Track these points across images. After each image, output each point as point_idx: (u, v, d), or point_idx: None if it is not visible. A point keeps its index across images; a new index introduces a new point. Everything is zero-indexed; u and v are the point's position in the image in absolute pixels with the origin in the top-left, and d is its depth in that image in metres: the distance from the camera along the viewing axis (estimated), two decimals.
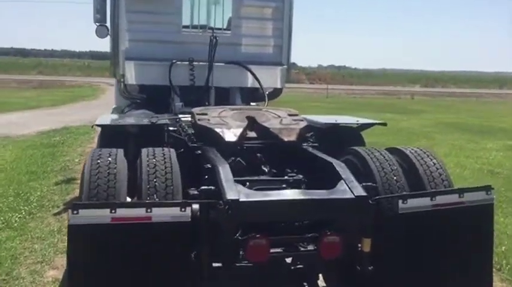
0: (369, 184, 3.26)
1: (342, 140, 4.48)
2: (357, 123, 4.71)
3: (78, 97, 24.30)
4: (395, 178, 3.42)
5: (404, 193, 3.24)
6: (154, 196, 2.99)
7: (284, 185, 3.40)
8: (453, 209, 3.12)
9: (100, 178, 2.99)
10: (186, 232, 2.75)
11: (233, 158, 3.68)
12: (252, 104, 6.73)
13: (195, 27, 6.16)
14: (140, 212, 2.66)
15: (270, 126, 3.99)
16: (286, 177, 3.53)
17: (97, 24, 6.69)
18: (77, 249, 2.59)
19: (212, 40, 5.88)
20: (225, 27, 6.49)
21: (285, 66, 6.43)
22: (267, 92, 6.64)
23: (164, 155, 3.26)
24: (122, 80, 6.05)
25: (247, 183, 3.38)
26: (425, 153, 3.72)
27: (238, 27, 6.31)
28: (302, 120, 4.19)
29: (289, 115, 4.29)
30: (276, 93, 6.74)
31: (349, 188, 3.09)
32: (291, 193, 3.09)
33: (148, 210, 2.67)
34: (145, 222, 2.67)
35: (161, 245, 2.72)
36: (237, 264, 2.95)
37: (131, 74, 5.95)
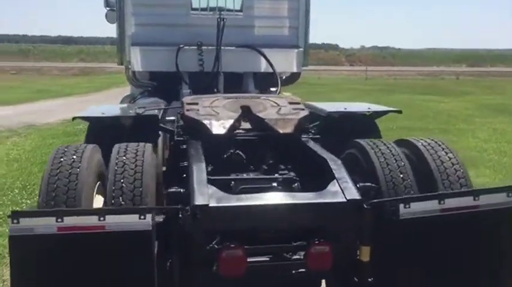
0: (368, 184, 2.83)
1: (353, 130, 4.01)
2: (368, 111, 4.22)
3: (114, 84, 24.43)
4: (401, 176, 2.96)
5: (407, 195, 2.78)
6: (120, 198, 2.66)
7: (273, 185, 3.00)
8: (466, 214, 2.64)
9: (60, 179, 2.68)
10: (147, 242, 2.40)
11: (221, 153, 3.31)
12: (271, 89, 6.36)
13: (204, 9, 5.78)
14: (92, 220, 2.33)
15: (265, 116, 3.58)
16: (276, 175, 3.13)
17: (107, 8, 6.42)
18: (20, 264, 2.29)
19: (220, 22, 5.48)
20: (237, 8, 6.09)
21: (301, 49, 5.96)
22: (283, 77, 6.25)
23: (137, 151, 2.92)
24: (128, 66, 5.78)
25: (232, 182, 3.02)
26: (440, 146, 3.22)
27: (250, 9, 5.88)
28: (303, 110, 3.75)
29: (290, 103, 3.86)
30: (293, 77, 6.31)
31: (342, 189, 2.67)
32: (271, 196, 2.68)
33: (101, 218, 2.33)
34: (98, 231, 2.34)
35: (118, 258, 2.39)
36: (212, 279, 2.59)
37: (137, 60, 5.64)
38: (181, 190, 2.65)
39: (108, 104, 4.81)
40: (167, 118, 4.27)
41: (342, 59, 55.67)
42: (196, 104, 3.76)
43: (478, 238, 2.68)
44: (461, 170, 3.07)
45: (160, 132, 4.01)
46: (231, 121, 3.50)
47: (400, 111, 4.16)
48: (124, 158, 2.85)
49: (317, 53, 58.04)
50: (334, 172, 2.84)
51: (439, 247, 2.65)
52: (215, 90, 5.43)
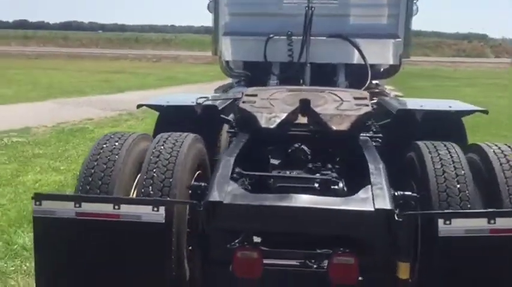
0: (407, 193, 2.50)
1: (428, 130, 3.60)
2: (449, 110, 3.73)
3: None
4: (458, 186, 2.56)
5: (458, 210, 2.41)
6: (150, 188, 2.68)
7: (310, 185, 2.79)
8: None
9: (98, 165, 2.78)
10: (160, 235, 2.39)
11: (268, 148, 3.18)
12: (373, 82, 6.03)
13: None
14: (107, 208, 2.38)
15: (321, 111, 3.35)
16: (317, 175, 2.91)
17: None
18: (41, 243, 2.42)
19: (308, 11, 5.29)
20: None
21: (400, 39, 5.51)
22: (380, 69, 5.88)
23: (176, 142, 2.91)
24: (220, 56, 5.88)
25: (272, 179, 2.87)
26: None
27: None
28: (366, 106, 3.45)
29: (355, 98, 3.58)
30: (391, 70, 5.87)
31: (373, 196, 2.39)
32: (291, 198, 2.48)
33: (116, 207, 2.37)
34: (113, 220, 2.38)
35: (131, 248, 2.41)
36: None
37: (228, 49, 5.71)
38: (203, 184, 2.59)
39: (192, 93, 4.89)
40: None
41: (486, 49, 51.01)
42: (255, 96, 3.66)
43: None
44: None
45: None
46: (284, 115, 3.33)
47: (486, 112, 3.63)
48: (161, 147, 2.86)
49: (458, 43, 54.06)
50: (371, 176, 2.56)
51: (485, 273, 2.25)
52: (300, 81, 5.28)
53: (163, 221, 2.36)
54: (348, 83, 5.37)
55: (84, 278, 2.45)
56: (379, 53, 5.50)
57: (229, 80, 6.58)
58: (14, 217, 4.68)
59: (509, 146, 2.83)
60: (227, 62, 5.84)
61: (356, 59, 5.48)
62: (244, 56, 5.75)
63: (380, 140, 3.49)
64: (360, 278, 2.40)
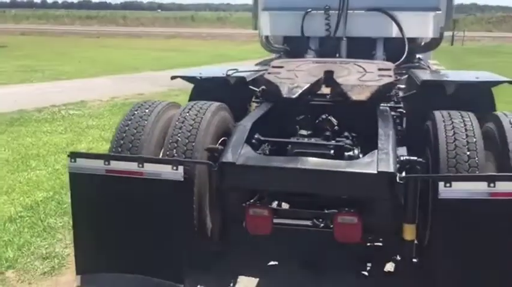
0: (413, 158, 2.60)
1: (455, 100, 3.62)
2: (475, 81, 3.71)
3: None
4: (468, 153, 2.63)
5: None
6: (174, 151, 2.92)
7: (325, 151, 2.93)
8: None
9: (129, 129, 3.05)
10: (180, 192, 2.62)
11: (289, 116, 3.33)
12: (417, 56, 5.98)
13: None
14: (133, 166, 2.63)
15: (343, 82, 3.45)
16: (333, 142, 3.04)
17: None
18: (77, 197, 2.72)
19: None
20: None
21: (440, 12, 5.41)
22: (422, 43, 5.80)
23: (200, 109, 3.13)
24: (259, 32, 6.00)
25: (289, 146, 3.04)
26: None
27: None
28: (389, 76, 3.51)
29: (380, 69, 3.65)
30: (433, 43, 5.77)
31: (377, 160, 2.51)
32: (299, 160, 2.63)
33: (140, 165, 2.62)
34: (138, 177, 2.63)
35: (153, 202, 2.66)
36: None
37: (266, 24, 5.82)
38: (220, 147, 2.80)
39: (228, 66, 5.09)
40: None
41: None
42: (282, 67, 3.80)
43: None
44: None
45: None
46: (306, 85, 3.46)
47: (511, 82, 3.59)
48: (187, 114, 3.08)
49: None
50: (378, 141, 2.67)
51: (484, 235, 2.33)
52: (337, 55, 5.33)
53: (182, 180, 2.59)
54: (386, 57, 5.36)
55: (113, 229, 2.73)
56: (419, 26, 5.41)
57: (273, 56, 6.70)
58: (66, 180, 5.10)
59: None
60: (266, 37, 5.95)
61: (394, 32, 5.41)
62: (282, 31, 5.82)
63: (402, 110, 3.56)
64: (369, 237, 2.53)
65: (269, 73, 3.71)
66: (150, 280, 2.68)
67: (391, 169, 2.45)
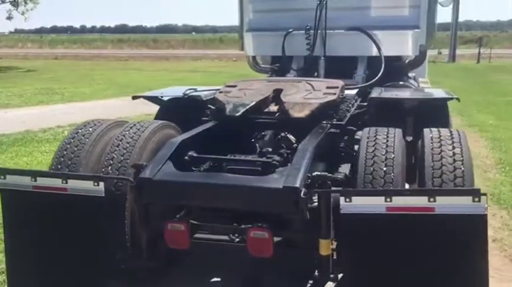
0: (324, 174, 2.61)
1: (407, 117, 3.63)
2: (418, 98, 3.70)
3: None
4: (384, 169, 2.64)
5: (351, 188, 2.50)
6: (109, 168, 3.01)
7: (251, 167, 2.97)
8: (416, 217, 2.24)
9: (70, 147, 3.17)
10: (101, 207, 2.70)
11: (228, 134, 3.40)
12: (410, 75, 6.01)
13: None
14: (57, 182, 2.73)
15: (287, 100, 3.51)
16: (263, 158, 3.08)
17: None
18: (8, 214, 2.81)
19: (322, 4, 5.38)
20: None
21: (418, 30, 5.41)
22: (406, 61, 5.81)
23: (140, 127, 3.23)
24: (245, 52, 6.13)
25: (224, 163, 3.09)
26: (452, 139, 2.74)
27: None
28: (334, 94, 3.54)
29: (327, 88, 3.68)
30: (415, 61, 5.77)
31: (286, 175, 2.54)
32: (213, 176, 2.68)
33: (64, 181, 2.72)
34: (62, 193, 2.73)
35: (78, 218, 2.74)
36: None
37: (250, 45, 5.96)
38: (144, 163, 2.87)
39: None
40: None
41: None
42: (234, 86, 3.89)
43: (430, 248, 2.25)
44: (462, 169, 2.56)
45: None
46: (251, 103, 3.53)
47: (458, 99, 3.57)
48: (126, 132, 3.19)
49: None
50: (294, 157, 2.70)
51: (383, 248, 2.33)
52: (315, 74, 5.40)
53: (103, 195, 2.68)
54: (367, 75, 5.38)
55: (43, 246, 2.82)
56: (397, 44, 5.43)
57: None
58: None
59: (450, 131, 2.83)
60: (254, 57, 6.09)
61: (374, 51, 5.46)
62: (266, 51, 5.96)
63: (351, 127, 3.58)
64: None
65: (220, 92, 3.80)
66: None
67: (297, 184, 2.47)
